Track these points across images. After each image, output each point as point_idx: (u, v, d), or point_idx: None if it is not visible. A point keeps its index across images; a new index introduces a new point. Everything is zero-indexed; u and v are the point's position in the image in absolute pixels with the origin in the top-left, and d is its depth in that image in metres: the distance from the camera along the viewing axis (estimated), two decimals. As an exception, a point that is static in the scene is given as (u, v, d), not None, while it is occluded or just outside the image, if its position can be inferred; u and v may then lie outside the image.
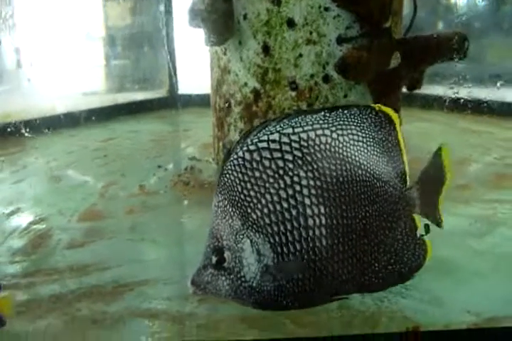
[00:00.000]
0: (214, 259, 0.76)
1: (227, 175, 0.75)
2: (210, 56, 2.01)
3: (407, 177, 0.81)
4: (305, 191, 0.73)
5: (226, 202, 0.75)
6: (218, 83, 1.96)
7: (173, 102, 3.42)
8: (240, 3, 1.80)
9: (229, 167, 0.75)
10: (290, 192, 0.73)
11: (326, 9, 1.71)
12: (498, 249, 1.27)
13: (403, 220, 0.80)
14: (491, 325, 0.96)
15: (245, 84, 1.84)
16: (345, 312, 1.01)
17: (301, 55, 1.74)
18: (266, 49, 1.78)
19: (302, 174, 0.74)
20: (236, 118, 1.89)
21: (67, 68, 2.92)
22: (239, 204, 0.74)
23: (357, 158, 0.76)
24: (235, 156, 0.75)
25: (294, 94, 1.77)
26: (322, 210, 0.74)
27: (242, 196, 0.74)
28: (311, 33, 1.73)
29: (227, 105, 1.91)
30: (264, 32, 1.77)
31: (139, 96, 3.33)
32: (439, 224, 0.83)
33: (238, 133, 1.88)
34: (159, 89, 3.54)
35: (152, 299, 1.06)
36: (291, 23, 1.74)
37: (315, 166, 0.74)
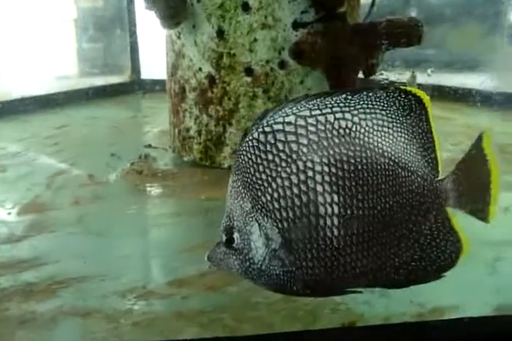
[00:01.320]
0: (224, 238, 0.75)
1: (242, 156, 0.73)
2: (165, 40, 1.94)
3: (439, 167, 0.75)
4: (318, 177, 0.70)
5: (239, 183, 0.73)
6: (173, 68, 1.90)
7: (135, 87, 3.34)
8: (194, -15, 1.73)
9: (244, 148, 0.72)
10: (302, 177, 0.70)
11: (281, -8, 1.66)
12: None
13: (433, 214, 0.74)
14: (434, 316, 0.95)
15: (200, 69, 1.78)
16: (288, 306, 0.99)
17: (256, 40, 1.69)
18: (220, 33, 1.72)
19: (316, 159, 0.70)
20: (191, 104, 1.83)
21: (32, 50, 2.81)
22: (250, 187, 0.72)
23: (380, 145, 0.71)
24: (250, 137, 0.72)
25: (249, 79, 1.73)
26: (335, 199, 0.70)
27: (254, 178, 0.72)
28: (266, 17, 1.68)
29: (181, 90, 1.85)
30: (218, 15, 1.71)
31: (101, 80, 3.23)
32: (484, 219, 0.75)
33: (193, 119, 1.83)
34: (122, 73, 3.44)
35: (88, 296, 1.01)
36: (245, 7, 1.68)
37: (331, 152, 0.70)
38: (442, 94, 2.82)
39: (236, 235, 0.74)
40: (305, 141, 0.70)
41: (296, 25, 1.67)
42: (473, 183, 0.75)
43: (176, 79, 1.87)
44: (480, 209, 0.76)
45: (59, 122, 2.43)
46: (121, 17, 3.46)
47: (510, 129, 2.32)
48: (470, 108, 2.60)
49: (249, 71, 1.72)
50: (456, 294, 1.03)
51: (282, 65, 1.70)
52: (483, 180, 0.75)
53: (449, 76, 2.89)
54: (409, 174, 0.72)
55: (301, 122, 0.70)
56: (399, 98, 0.72)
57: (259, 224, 0.72)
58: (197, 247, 1.23)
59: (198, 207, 1.47)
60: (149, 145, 2.06)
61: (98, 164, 1.82)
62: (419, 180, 0.73)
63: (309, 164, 0.70)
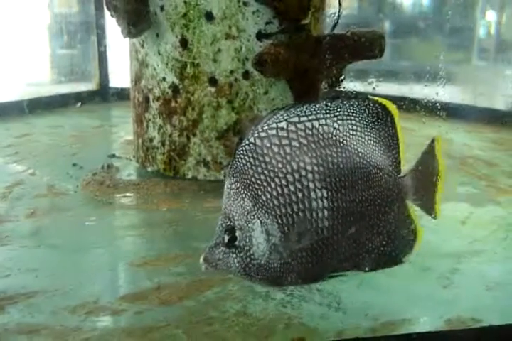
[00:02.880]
0: (226, 238, 0.80)
1: (240, 159, 0.80)
2: (128, 49, 1.92)
3: (401, 166, 0.86)
4: (310, 176, 0.79)
5: (238, 185, 0.80)
6: (137, 77, 1.88)
7: (103, 95, 3.29)
8: (158, -6, 1.72)
9: (241, 152, 0.80)
10: (296, 176, 0.79)
11: (245, 4, 1.66)
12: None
13: (396, 206, 0.84)
14: (386, 329, 0.95)
15: (163, 78, 1.76)
16: (243, 321, 0.97)
17: (220, 50, 1.69)
18: (184, 43, 1.71)
19: (307, 160, 0.79)
20: (154, 114, 1.81)
21: (5, 56, 2.75)
22: (250, 187, 0.79)
23: (355, 147, 0.82)
24: (247, 142, 0.80)
25: (213, 90, 1.72)
26: (325, 194, 0.79)
27: (253, 179, 0.79)
28: (230, 27, 1.68)
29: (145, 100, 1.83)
30: (181, 25, 1.70)
31: (69, 88, 3.17)
32: (431, 214, 0.87)
33: (157, 129, 1.81)
34: (89, 81, 3.39)
35: (36, 312, 0.98)
36: (209, 17, 1.68)
37: (318, 153, 0.80)
38: (409, 105, 2.87)
39: (238, 233, 0.79)
40: (296, 144, 0.79)
41: (260, 35, 1.68)
42: (425, 182, 0.86)
43: (140, 88, 1.85)
44: (428, 206, 0.87)
45: (20, 131, 2.37)
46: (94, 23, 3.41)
47: (472, 141, 2.37)
48: (436, 120, 2.64)
49: (213, 81, 1.71)
50: (411, 307, 1.03)
51: (246, 75, 1.70)
52: (432, 180, 0.87)
53: (418, 87, 2.93)
54: (379, 171, 0.83)
55: (292, 127, 0.80)
56: (368, 106, 0.84)
57: (260, 221, 0.79)
58: (154, 260, 1.21)
59: (158, 219, 1.44)
60: (113, 155, 2.02)
61: (59, 174, 1.78)
62: (386, 176, 0.84)
63: (301, 164, 0.79)
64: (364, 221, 0.83)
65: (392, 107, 0.85)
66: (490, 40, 3.36)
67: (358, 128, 0.83)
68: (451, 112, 2.70)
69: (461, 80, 3.04)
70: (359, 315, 0.99)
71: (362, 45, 1.58)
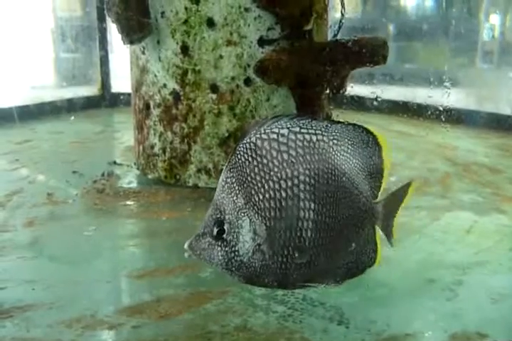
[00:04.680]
0: (215, 230, 0.82)
1: (239, 155, 0.82)
2: (129, 55, 1.91)
3: (379, 194, 0.92)
4: (301, 186, 0.82)
5: (234, 180, 0.82)
6: (137, 84, 1.86)
7: (105, 100, 3.28)
8: (158, 0, 1.71)
9: (241, 148, 0.82)
10: (289, 183, 0.81)
11: (247, 10, 1.64)
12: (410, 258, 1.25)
13: (368, 228, 0.90)
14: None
15: (164, 85, 1.75)
16: (243, 335, 0.95)
17: (221, 57, 1.67)
18: (185, 49, 1.69)
19: (301, 170, 0.82)
20: (155, 121, 1.80)
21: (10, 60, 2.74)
22: (245, 185, 0.81)
23: (343, 167, 0.86)
24: (248, 140, 0.82)
25: (214, 96, 1.70)
26: (312, 206, 0.82)
27: (249, 178, 0.81)
28: (231, 33, 1.66)
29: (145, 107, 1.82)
30: (182, 31, 1.69)
31: (68, 93, 3.16)
32: (389, 240, 0.92)
33: (158, 136, 1.79)
34: (92, 85, 3.38)
35: (32, 327, 0.96)
36: (210, 23, 1.66)
37: (312, 166, 0.83)
38: (411, 111, 2.85)
39: (227, 227, 0.81)
40: (293, 153, 0.82)
41: (262, 42, 1.66)
42: (391, 211, 0.92)
43: (141, 95, 1.84)
44: (388, 232, 0.93)
45: (21, 137, 2.36)
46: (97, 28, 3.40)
47: (477, 147, 2.34)
48: (440, 125, 2.61)
49: (214, 88, 1.69)
50: (415, 321, 1.01)
51: (248, 82, 1.68)
52: (395, 212, 0.93)
53: (421, 91, 2.90)
54: (359, 194, 0.88)
55: (292, 136, 0.83)
56: (362, 134, 0.89)
57: (250, 220, 0.81)
58: (154, 271, 1.19)
59: (158, 229, 1.43)
60: (114, 162, 2.01)
61: (59, 182, 1.76)
62: (364, 200, 0.89)
63: (295, 173, 0.82)
64: (341, 238, 0.86)
65: (382, 139, 0.91)
66: (494, 43, 3.34)
67: (350, 151, 0.88)
68: (455, 117, 2.68)
69: (465, 84, 3.02)
70: (362, 329, 0.97)
71: (365, 52, 1.56)
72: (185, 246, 0.83)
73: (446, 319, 1.01)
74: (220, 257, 0.81)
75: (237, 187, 0.81)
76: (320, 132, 0.85)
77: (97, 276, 1.16)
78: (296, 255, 0.83)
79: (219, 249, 0.81)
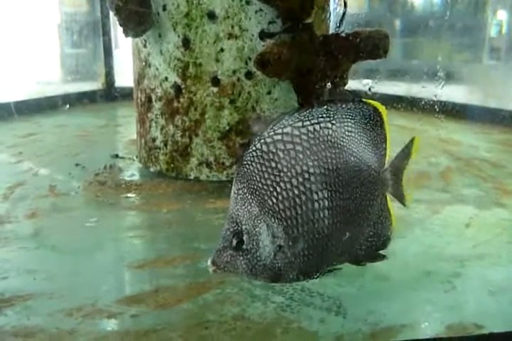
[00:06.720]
0: (234, 242, 0.83)
1: (247, 166, 0.83)
2: (131, 48, 1.92)
3: (385, 162, 0.94)
4: (312, 178, 0.83)
5: (245, 190, 0.83)
6: (139, 77, 1.87)
7: (109, 94, 3.29)
8: (160, -7, 1.71)
9: (248, 158, 0.83)
10: (300, 179, 0.82)
11: (248, 3, 1.64)
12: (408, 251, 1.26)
13: (380, 198, 0.91)
14: (386, 335, 0.93)
15: (166, 78, 1.75)
16: (240, 324, 0.96)
17: (222, 50, 1.67)
18: (186, 42, 1.70)
19: (310, 163, 0.83)
20: (157, 114, 1.80)
21: (16, 55, 2.75)
22: (257, 192, 0.82)
23: (350, 147, 0.87)
24: (254, 148, 0.82)
25: (216, 90, 1.70)
26: (326, 194, 0.83)
27: (259, 184, 0.82)
28: (232, 26, 1.66)
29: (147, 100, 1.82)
30: (184, 24, 1.69)
31: (73, 87, 3.18)
32: (403, 202, 0.94)
33: (159, 130, 1.80)
34: (96, 80, 3.39)
35: (32, 315, 0.97)
36: (212, 16, 1.66)
37: (319, 155, 0.83)
38: (417, 106, 2.84)
39: (246, 237, 0.82)
40: (300, 148, 0.83)
41: (263, 35, 1.66)
42: (398, 174, 0.94)
43: (143, 88, 1.85)
44: (399, 195, 0.95)
45: (25, 130, 2.37)
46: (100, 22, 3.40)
47: (478, 142, 2.34)
48: (444, 121, 2.61)
49: (215, 81, 1.70)
50: (411, 312, 1.01)
51: (249, 75, 1.68)
52: (401, 173, 0.95)
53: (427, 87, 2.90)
54: (368, 168, 0.89)
55: (296, 132, 0.83)
56: (362, 109, 0.89)
57: (267, 225, 0.82)
58: (154, 262, 1.20)
59: (159, 220, 1.44)
60: (116, 156, 2.02)
61: (61, 174, 1.78)
62: (373, 172, 0.90)
63: (305, 167, 0.82)
64: (358, 216, 0.88)
65: (382, 108, 0.92)
66: (501, 39, 3.32)
67: (353, 129, 0.88)
68: (460, 113, 2.68)
69: (471, 80, 3.01)
70: (359, 319, 0.97)
71: (366, 45, 1.55)
72: (208, 262, 0.84)
73: (443, 310, 1.01)
74: (244, 266, 0.83)
75: (249, 197, 0.82)
76: (322, 119, 0.85)
77: (98, 267, 1.17)
78: (315, 243, 0.83)
79: (241, 258, 0.83)
